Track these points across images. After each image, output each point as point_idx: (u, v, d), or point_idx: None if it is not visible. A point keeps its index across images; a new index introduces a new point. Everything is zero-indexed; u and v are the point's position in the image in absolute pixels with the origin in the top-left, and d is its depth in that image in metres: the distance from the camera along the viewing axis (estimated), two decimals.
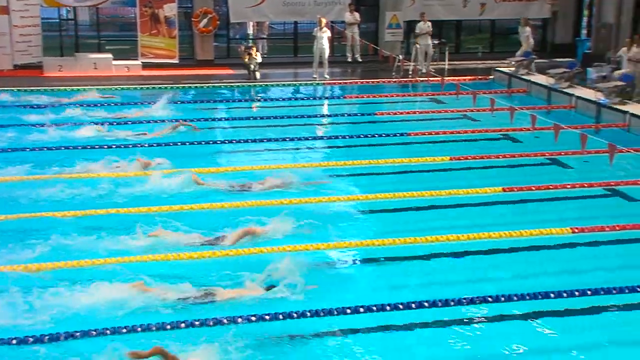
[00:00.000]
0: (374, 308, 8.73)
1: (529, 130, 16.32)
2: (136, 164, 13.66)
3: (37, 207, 11.66)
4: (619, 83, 19.19)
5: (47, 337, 7.93)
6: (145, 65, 24.15)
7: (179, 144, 15.52)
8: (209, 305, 8.82)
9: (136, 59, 24.34)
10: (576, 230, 11.17)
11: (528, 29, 24.34)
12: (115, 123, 17.25)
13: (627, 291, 9.27)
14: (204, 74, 23.91)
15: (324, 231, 11.01)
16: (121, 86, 21.61)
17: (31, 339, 7.91)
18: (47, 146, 15.26)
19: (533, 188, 13.12)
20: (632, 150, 13.99)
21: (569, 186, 13.33)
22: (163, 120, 17.46)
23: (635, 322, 9.08)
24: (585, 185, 13.43)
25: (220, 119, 18.77)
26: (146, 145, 15.33)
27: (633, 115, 17.66)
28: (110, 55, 24.13)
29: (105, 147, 15.18)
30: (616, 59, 21.20)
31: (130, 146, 15.24)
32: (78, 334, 8.01)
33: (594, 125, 17.94)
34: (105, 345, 7.77)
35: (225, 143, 16.29)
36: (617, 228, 11.26)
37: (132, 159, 13.80)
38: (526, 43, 24.17)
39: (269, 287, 9.07)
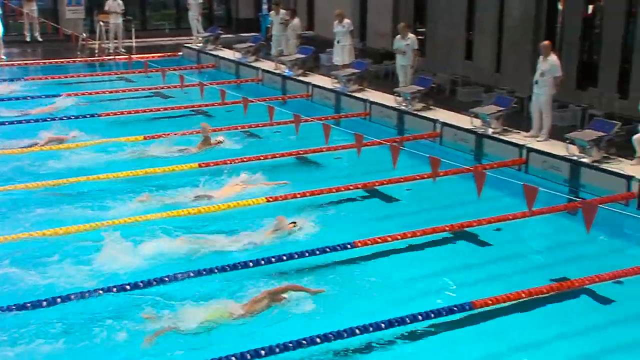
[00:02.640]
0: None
1: (220, 104, 16.60)
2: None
3: None
4: (300, 56, 20.22)
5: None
6: None
7: None
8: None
9: None
10: (270, 199, 11.64)
11: None
12: None
13: (317, 252, 9.80)
14: None
15: None
16: None
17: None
18: None
19: (228, 162, 13.39)
20: (315, 119, 14.83)
21: (262, 157, 13.79)
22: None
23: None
24: (277, 155, 14.00)
25: None
26: None
27: (314, 85, 18.77)
28: None
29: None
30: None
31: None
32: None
33: (280, 97, 18.75)
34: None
35: None
36: (307, 194, 11.90)
37: None
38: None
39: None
